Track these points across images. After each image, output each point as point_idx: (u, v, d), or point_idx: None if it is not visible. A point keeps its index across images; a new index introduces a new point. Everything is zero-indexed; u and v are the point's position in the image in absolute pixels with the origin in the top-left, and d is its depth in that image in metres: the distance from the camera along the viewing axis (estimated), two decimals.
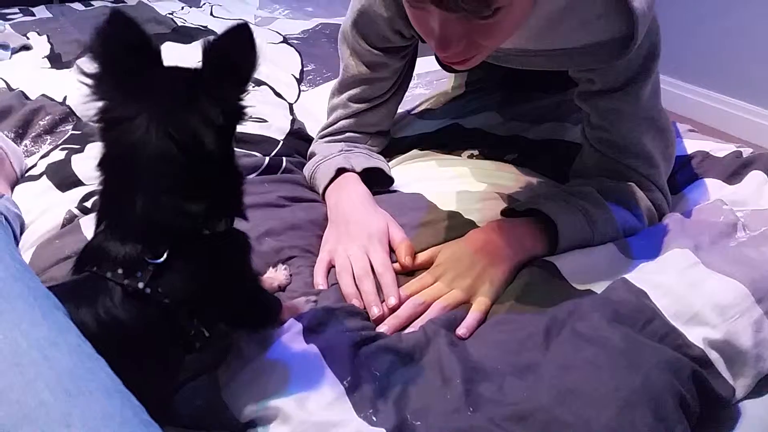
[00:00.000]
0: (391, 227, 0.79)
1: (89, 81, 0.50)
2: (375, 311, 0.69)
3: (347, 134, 0.97)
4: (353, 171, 0.89)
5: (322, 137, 0.99)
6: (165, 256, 0.50)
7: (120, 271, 0.49)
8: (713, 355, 0.60)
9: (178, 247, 0.50)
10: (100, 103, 0.50)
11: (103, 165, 0.51)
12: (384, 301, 0.70)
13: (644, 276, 0.69)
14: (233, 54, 0.50)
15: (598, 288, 0.70)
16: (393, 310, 0.69)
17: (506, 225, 0.78)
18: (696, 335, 0.61)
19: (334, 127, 0.98)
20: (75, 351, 0.41)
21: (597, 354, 0.58)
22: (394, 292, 0.70)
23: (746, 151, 1.00)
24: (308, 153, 0.99)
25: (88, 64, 0.49)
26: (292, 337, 0.62)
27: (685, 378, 0.56)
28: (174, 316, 0.51)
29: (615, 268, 0.73)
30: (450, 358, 0.60)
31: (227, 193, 0.55)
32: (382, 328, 0.67)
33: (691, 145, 1.04)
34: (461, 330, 0.66)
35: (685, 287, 0.65)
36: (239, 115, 0.52)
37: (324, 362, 0.59)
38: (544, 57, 0.81)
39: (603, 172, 0.84)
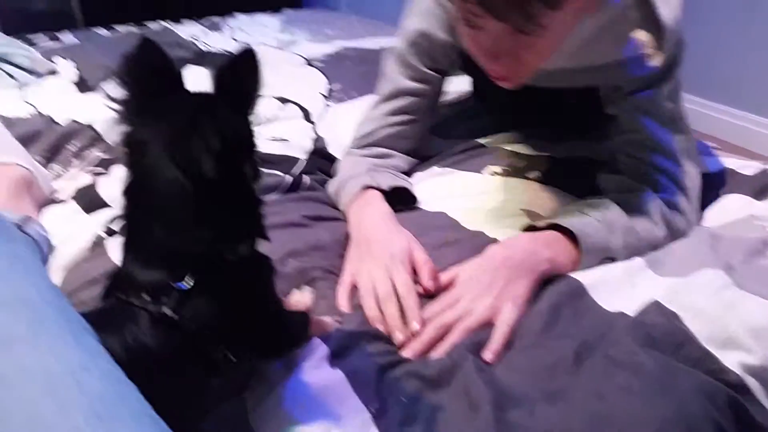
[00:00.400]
0: (414, 247, 0.78)
1: (116, 106, 0.50)
2: (399, 336, 0.68)
3: (378, 149, 0.98)
4: (378, 189, 0.89)
5: (354, 147, 1.00)
6: (190, 281, 0.50)
7: (146, 296, 0.49)
8: (750, 382, 0.59)
9: (201, 272, 0.50)
10: (125, 128, 0.51)
11: (126, 191, 0.52)
12: (407, 324, 0.69)
13: (676, 297, 0.67)
14: (237, 78, 0.51)
15: (630, 309, 0.68)
16: (416, 334, 0.68)
17: (525, 238, 0.78)
18: (732, 360, 0.60)
19: (369, 138, 0.99)
20: (106, 376, 0.41)
21: (630, 380, 0.56)
22: (416, 317, 0.69)
23: None
24: (334, 167, 1.00)
25: (115, 89, 0.50)
26: (317, 363, 0.62)
27: (721, 404, 0.54)
28: (200, 341, 0.51)
29: (645, 288, 0.72)
30: (478, 383, 0.59)
31: (241, 219, 0.54)
32: (406, 353, 0.66)
33: (716, 162, 1.03)
34: (487, 355, 0.65)
35: (718, 309, 0.64)
36: (244, 139, 0.51)
37: (350, 388, 0.59)
38: (579, 74, 0.85)
39: (631, 175, 0.85)
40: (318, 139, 1.15)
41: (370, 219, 0.84)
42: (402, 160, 1.00)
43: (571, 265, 0.75)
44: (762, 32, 2.13)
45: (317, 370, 0.61)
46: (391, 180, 0.92)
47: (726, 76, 2.28)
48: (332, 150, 1.11)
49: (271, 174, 0.99)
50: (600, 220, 0.77)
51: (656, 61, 0.81)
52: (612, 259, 0.77)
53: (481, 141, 1.11)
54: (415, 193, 0.95)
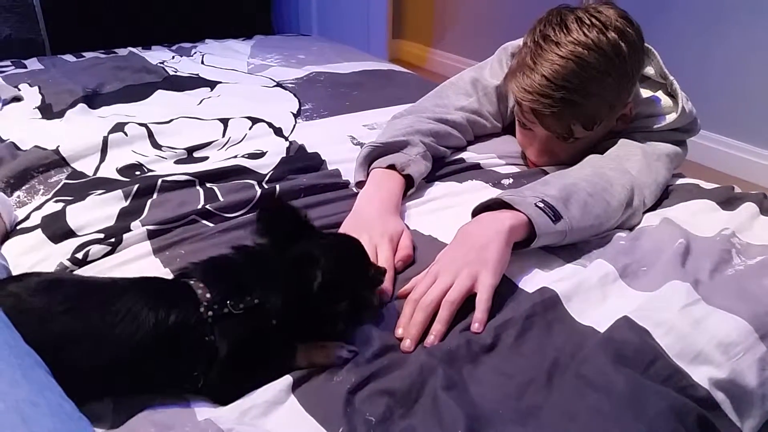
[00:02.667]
0: (404, 234, 0.84)
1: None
2: None
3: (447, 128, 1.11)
4: (401, 172, 0.96)
5: (428, 117, 1.11)
6: None
7: None
8: (719, 396, 0.59)
9: None
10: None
11: None
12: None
13: (646, 313, 0.68)
14: None
15: (601, 324, 0.68)
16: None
17: (480, 216, 0.82)
18: (701, 375, 0.60)
19: (448, 117, 1.12)
20: (56, 411, 0.39)
21: (601, 401, 0.56)
22: (387, 287, 0.76)
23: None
24: (393, 119, 1.13)
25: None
26: (276, 396, 0.60)
27: (690, 423, 0.54)
28: None
29: (616, 301, 0.72)
30: (448, 404, 0.58)
31: None
32: (405, 344, 0.67)
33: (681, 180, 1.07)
34: (475, 326, 0.68)
35: (687, 325, 0.65)
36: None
37: (313, 420, 0.57)
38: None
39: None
40: (292, 145, 1.16)
41: (379, 197, 0.92)
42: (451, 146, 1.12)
43: (526, 223, 0.79)
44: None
45: (275, 405, 0.59)
46: (423, 169, 1.00)
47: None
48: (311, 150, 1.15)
49: (244, 185, 1.00)
50: (530, 188, 0.86)
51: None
52: (552, 209, 0.80)
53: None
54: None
